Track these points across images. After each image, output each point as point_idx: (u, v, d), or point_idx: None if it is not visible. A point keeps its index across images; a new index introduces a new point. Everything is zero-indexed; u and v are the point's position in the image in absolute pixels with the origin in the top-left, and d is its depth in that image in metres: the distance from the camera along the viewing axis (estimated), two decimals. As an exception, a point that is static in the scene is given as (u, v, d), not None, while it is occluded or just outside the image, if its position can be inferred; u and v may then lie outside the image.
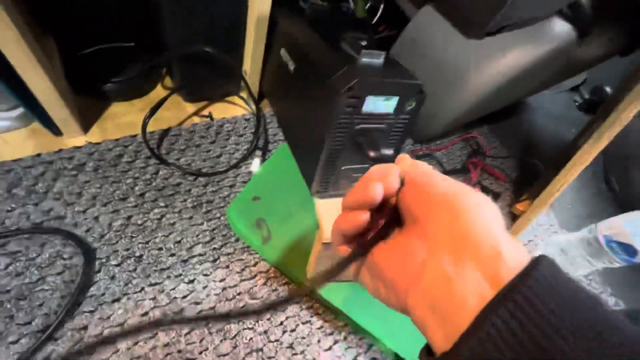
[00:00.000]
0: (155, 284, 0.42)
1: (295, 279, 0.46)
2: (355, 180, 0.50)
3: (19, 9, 0.39)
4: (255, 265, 0.47)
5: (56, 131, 0.49)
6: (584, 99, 1.11)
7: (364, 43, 0.43)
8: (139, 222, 0.46)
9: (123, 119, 0.56)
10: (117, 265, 0.42)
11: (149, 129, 0.54)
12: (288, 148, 0.58)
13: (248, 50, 0.58)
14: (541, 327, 0.14)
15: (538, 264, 0.16)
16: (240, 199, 0.50)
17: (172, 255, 0.45)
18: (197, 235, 0.47)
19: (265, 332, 0.42)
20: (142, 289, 0.41)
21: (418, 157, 0.74)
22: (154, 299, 0.41)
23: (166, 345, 0.38)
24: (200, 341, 0.40)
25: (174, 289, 0.42)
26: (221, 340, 0.40)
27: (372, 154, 0.41)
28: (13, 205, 0.43)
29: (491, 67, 0.54)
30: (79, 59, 0.55)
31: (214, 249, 0.47)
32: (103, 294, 0.40)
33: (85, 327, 0.37)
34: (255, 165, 0.57)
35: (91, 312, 0.38)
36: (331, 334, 0.45)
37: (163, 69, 0.63)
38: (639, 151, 0.84)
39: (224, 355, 0.40)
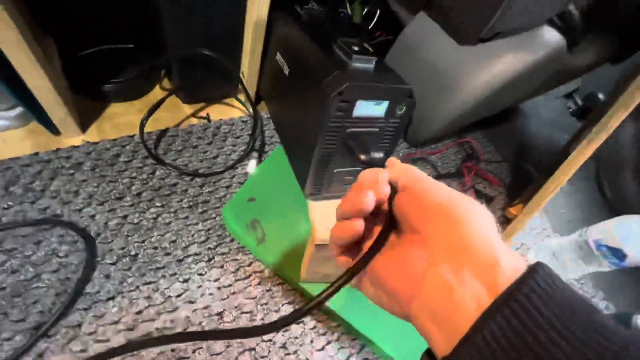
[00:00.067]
0: (150, 282, 0.42)
1: (289, 280, 0.47)
2: (347, 183, 0.51)
3: (19, 9, 0.39)
4: (249, 265, 0.48)
5: (54, 131, 0.50)
6: (577, 105, 1.12)
7: (356, 48, 0.43)
8: (135, 221, 0.46)
9: (121, 119, 0.56)
10: (112, 264, 0.42)
11: (147, 129, 0.55)
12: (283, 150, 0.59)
13: (246, 53, 0.58)
14: (536, 334, 0.14)
15: (534, 271, 0.16)
16: (235, 199, 0.51)
17: (168, 254, 0.45)
18: (193, 235, 0.48)
19: (259, 331, 0.43)
20: (137, 287, 0.42)
21: (413, 161, 0.75)
22: (148, 297, 0.41)
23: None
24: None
25: (168, 287, 0.43)
26: (214, 340, 0.40)
27: (362, 157, 0.42)
28: (10, 203, 0.43)
29: (484, 73, 0.55)
30: (78, 60, 0.55)
31: (209, 248, 0.47)
32: (98, 292, 0.40)
33: (79, 325, 0.38)
34: (251, 166, 0.58)
35: (85, 309, 0.39)
36: (324, 334, 0.45)
37: (162, 70, 0.64)
38: (631, 157, 0.85)
39: (217, 354, 0.40)
